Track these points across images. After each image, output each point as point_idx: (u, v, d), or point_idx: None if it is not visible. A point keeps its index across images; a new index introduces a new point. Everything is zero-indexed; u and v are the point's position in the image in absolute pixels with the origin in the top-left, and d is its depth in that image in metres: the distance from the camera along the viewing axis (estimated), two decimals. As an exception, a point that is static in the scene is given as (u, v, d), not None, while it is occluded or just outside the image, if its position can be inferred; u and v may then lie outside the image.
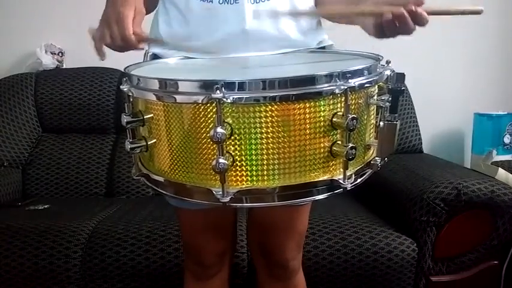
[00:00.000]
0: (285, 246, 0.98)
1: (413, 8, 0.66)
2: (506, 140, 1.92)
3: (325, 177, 0.59)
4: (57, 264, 1.34)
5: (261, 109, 0.55)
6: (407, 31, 0.68)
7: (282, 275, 1.02)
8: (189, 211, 0.96)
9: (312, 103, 0.56)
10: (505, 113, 1.95)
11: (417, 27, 0.68)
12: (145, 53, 0.91)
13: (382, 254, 1.35)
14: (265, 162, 0.57)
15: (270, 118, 0.56)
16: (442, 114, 2.15)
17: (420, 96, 1.99)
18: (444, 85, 2.14)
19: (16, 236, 1.37)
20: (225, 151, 0.56)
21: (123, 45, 0.72)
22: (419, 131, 1.95)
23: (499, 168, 1.55)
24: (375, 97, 0.64)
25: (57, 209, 1.62)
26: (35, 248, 1.35)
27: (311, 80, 0.56)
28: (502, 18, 2.10)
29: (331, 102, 0.57)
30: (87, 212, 1.56)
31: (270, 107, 0.55)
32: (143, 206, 1.64)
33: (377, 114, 0.67)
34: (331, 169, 0.60)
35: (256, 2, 0.83)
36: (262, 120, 0.56)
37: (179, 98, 0.58)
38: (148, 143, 0.64)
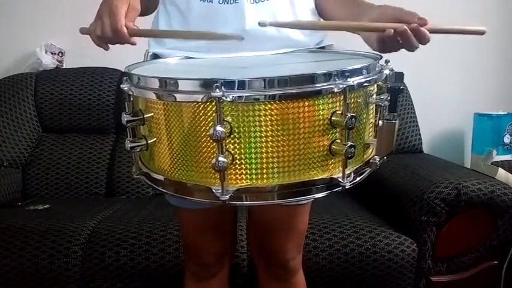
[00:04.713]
0: (285, 246, 0.98)
1: (415, 26, 0.66)
2: (506, 140, 1.92)
3: (324, 176, 0.60)
4: (57, 264, 1.34)
5: (261, 107, 0.55)
6: (410, 48, 0.68)
7: (282, 275, 1.02)
8: (189, 211, 0.96)
9: (311, 102, 0.56)
10: (505, 113, 1.95)
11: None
12: (145, 53, 0.91)
13: (382, 254, 1.35)
14: (264, 160, 0.57)
15: (269, 117, 0.56)
16: (442, 114, 2.15)
17: (420, 96, 1.99)
18: (444, 85, 2.14)
19: (16, 236, 1.37)
20: (224, 149, 0.56)
21: (114, 37, 0.72)
22: (419, 131, 1.95)
23: (499, 168, 1.55)
24: (374, 96, 0.64)
25: (57, 209, 1.62)
26: (35, 248, 1.35)
27: (310, 78, 0.56)
28: (502, 18, 2.10)
29: (330, 101, 0.57)
30: (87, 212, 1.56)
31: (269, 105, 0.55)
32: (143, 206, 1.64)
33: (376, 113, 0.67)
34: (330, 167, 0.60)
35: (256, 2, 0.83)
36: (261, 119, 0.56)
37: (179, 97, 0.58)
38: (149, 141, 0.64)
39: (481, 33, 0.71)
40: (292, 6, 0.87)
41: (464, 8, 2.06)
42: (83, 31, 0.76)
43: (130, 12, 0.73)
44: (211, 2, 0.83)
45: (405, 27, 0.66)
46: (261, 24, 0.69)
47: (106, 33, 0.72)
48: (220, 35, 0.73)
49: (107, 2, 0.73)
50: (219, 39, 0.75)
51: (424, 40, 0.68)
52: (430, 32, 0.68)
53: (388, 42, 0.70)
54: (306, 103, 0.56)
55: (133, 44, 0.73)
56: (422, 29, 0.67)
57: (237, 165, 0.57)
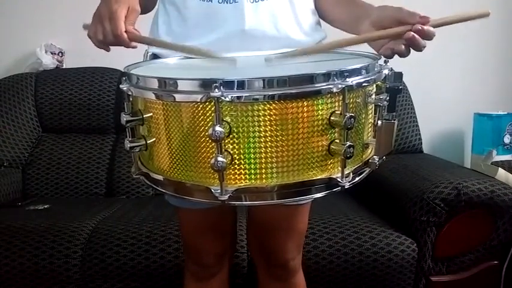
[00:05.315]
0: (284, 246, 0.98)
1: (420, 27, 0.66)
2: (506, 140, 1.92)
3: (323, 176, 0.59)
4: (57, 264, 1.34)
5: (260, 107, 0.55)
6: (418, 48, 0.68)
7: (282, 275, 1.02)
8: (189, 211, 0.96)
9: (310, 102, 0.56)
10: (505, 113, 1.94)
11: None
12: (145, 53, 0.91)
13: (382, 254, 1.35)
14: (263, 160, 0.57)
15: (269, 117, 0.56)
16: (442, 114, 2.15)
17: (420, 96, 1.99)
18: (444, 85, 2.14)
19: (16, 236, 1.37)
20: (223, 149, 0.56)
21: (115, 42, 0.73)
22: (419, 131, 1.95)
23: (499, 168, 1.55)
24: (373, 96, 0.64)
25: (57, 209, 1.62)
26: (35, 248, 1.35)
27: (309, 78, 0.56)
28: (502, 18, 2.10)
29: (329, 100, 0.57)
30: (87, 212, 1.56)
31: (268, 105, 0.55)
32: (143, 206, 1.65)
33: (375, 113, 0.67)
34: (329, 167, 0.60)
35: (256, 1, 0.83)
36: (260, 119, 0.56)
37: (178, 97, 0.58)
38: (148, 142, 0.64)
39: (485, 15, 0.69)
40: (292, 6, 0.87)
41: (464, 8, 2.06)
42: (86, 27, 0.76)
43: (130, 14, 0.73)
44: (211, 1, 0.83)
45: (412, 33, 0.66)
46: (267, 60, 0.72)
47: (107, 38, 0.72)
48: (217, 56, 0.75)
49: (106, 5, 0.73)
50: (215, 58, 0.77)
51: (430, 37, 0.67)
52: (433, 27, 0.67)
53: (397, 51, 0.69)
54: (305, 103, 0.56)
55: (133, 47, 0.74)
56: (426, 27, 0.66)
57: (236, 165, 0.57)
